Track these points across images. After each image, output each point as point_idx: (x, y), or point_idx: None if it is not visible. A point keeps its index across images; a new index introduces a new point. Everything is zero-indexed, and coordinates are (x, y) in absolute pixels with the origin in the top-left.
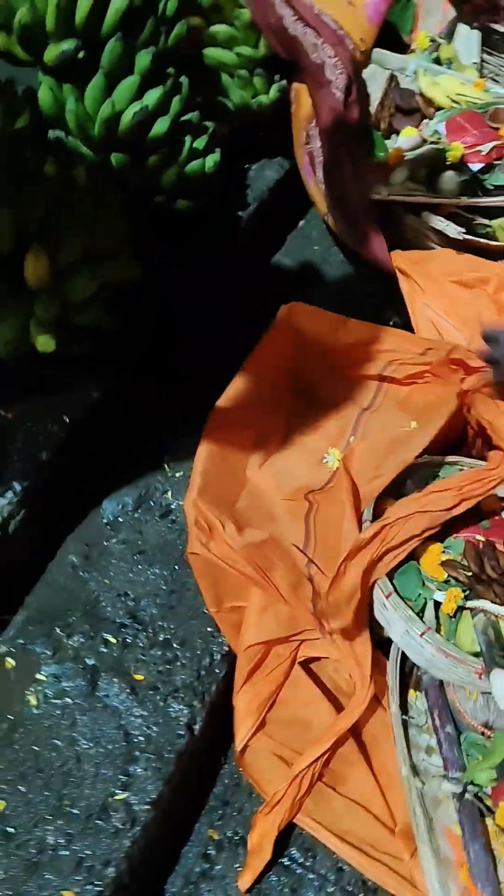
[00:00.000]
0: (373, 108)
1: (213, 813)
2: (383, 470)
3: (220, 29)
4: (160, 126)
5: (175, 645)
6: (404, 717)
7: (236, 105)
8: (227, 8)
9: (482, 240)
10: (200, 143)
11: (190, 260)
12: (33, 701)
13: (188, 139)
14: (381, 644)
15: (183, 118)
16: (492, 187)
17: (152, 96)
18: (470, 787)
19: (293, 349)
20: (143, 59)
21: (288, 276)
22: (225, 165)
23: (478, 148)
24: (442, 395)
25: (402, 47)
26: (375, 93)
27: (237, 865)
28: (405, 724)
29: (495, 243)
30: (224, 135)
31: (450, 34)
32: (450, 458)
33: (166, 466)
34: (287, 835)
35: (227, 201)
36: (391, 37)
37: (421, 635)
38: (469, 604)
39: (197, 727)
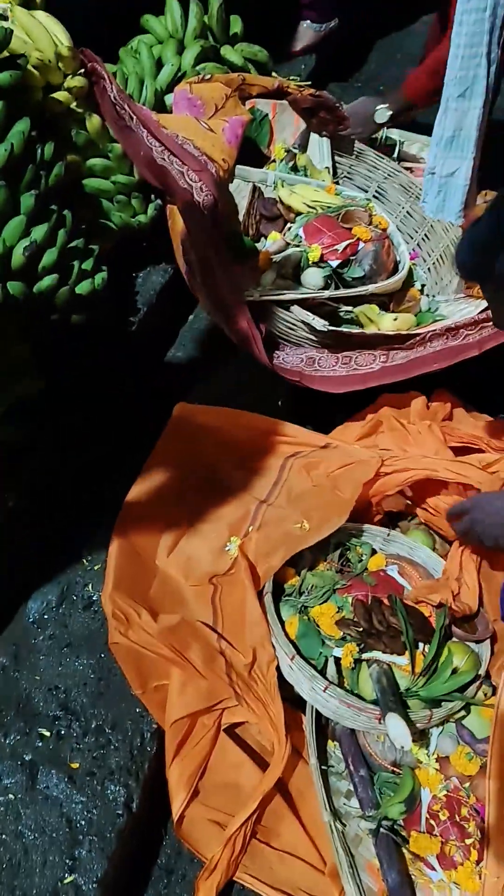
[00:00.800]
0: (241, 217)
1: (158, 882)
2: (276, 557)
3: (96, 162)
4: (49, 257)
5: (107, 730)
6: (323, 766)
7: (118, 225)
8: (100, 143)
9: (344, 329)
10: (88, 264)
11: (88, 367)
12: None
13: (76, 263)
14: (296, 701)
15: (70, 245)
16: (350, 279)
17: (39, 232)
18: (384, 822)
19: (192, 444)
20: (27, 200)
21: (182, 370)
22: (114, 278)
23: (334, 247)
24: (334, 504)
25: (262, 159)
26: (242, 203)
27: None
28: (325, 773)
29: (356, 331)
30: (109, 251)
31: (303, 143)
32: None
33: (85, 560)
34: (229, 891)
35: (120, 309)
36: (253, 150)
37: (324, 690)
38: (364, 656)
39: (134, 805)
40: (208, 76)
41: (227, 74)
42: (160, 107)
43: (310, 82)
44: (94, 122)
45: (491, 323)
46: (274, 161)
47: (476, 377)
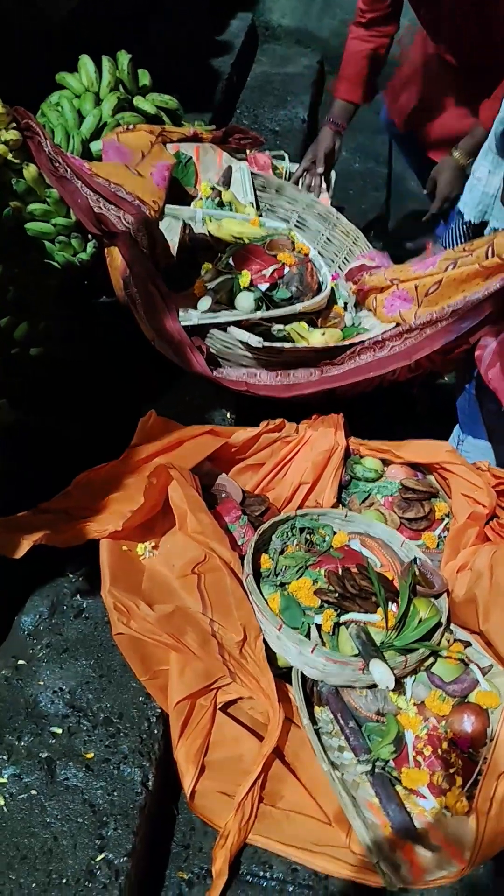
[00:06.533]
0: (174, 251)
1: (178, 858)
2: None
3: (35, 207)
4: (9, 295)
5: (114, 720)
6: (315, 727)
7: (61, 264)
8: (38, 190)
9: (276, 344)
10: (41, 301)
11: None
12: (1, 801)
13: (32, 300)
14: (282, 676)
15: (24, 284)
16: (279, 300)
17: None
18: (377, 763)
19: (160, 450)
20: None
21: (130, 393)
22: (60, 313)
23: (262, 272)
24: None
25: (190, 198)
26: (174, 239)
27: None
28: (317, 732)
29: (289, 346)
30: (54, 287)
31: (227, 181)
32: (300, 511)
33: (69, 573)
34: (244, 856)
35: (71, 342)
36: (181, 190)
37: (311, 651)
38: (342, 619)
39: (150, 783)
40: (132, 126)
41: (149, 124)
42: (87, 154)
43: (214, 126)
44: (31, 170)
45: (415, 333)
46: (201, 199)
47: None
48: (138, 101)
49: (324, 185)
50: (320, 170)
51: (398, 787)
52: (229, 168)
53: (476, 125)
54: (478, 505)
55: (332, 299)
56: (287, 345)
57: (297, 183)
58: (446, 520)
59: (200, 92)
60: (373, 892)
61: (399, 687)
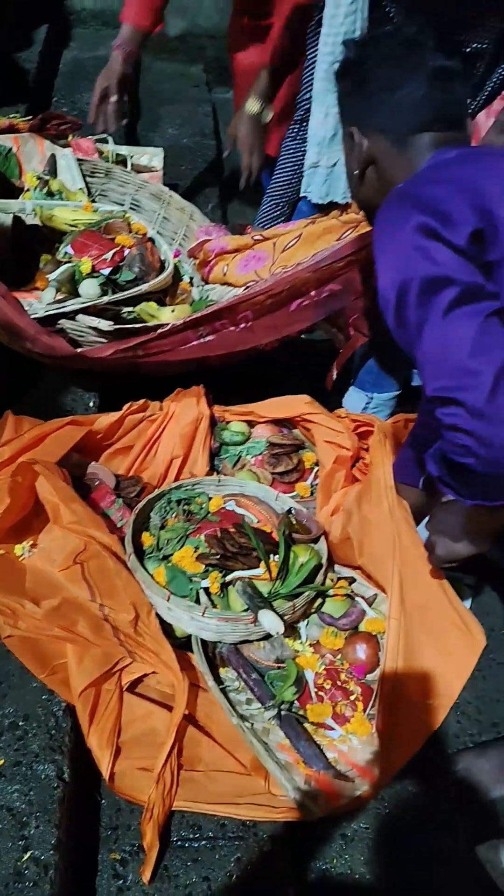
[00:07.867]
0: (8, 248)
1: (108, 840)
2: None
3: None
4: None
5: (20, 723)
6: (220, 686)
7: None
8: None
9: (129, 325)
10: None
11: None
12: None
13: None
14: (183, 646)
15: None
16: (124, 283)
17: None
18: (283, 707)
19: (21, 449)
20: None
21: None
22: None
23: (103, 256)
24: None
25: (16, 191)
26: (7, 235)
27: None
28: (224, 691)
29: (140, 326)
30: None
31: (52, 169)
32: (174, 485)
33: None
34: (172, 824)
35: None
36: (5, 184)
37: (202, 614)
38: (228, 578)
39: (66, 775)
40: None
41: None
42: None
43: (30, 116)
44: None
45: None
46: (28, 190)
47: None
48: None
49: (125, 111)
50: (113, 98)
51: (306, 725)
52: (53, 156)
53: (261, 69)
54: (342, 449)
55: (177, 276)
56: (138, 325)
57: (93, 118)
58: (316, 468)
59: (9, 85)
60: (300, 827)
61: (293, 631)
